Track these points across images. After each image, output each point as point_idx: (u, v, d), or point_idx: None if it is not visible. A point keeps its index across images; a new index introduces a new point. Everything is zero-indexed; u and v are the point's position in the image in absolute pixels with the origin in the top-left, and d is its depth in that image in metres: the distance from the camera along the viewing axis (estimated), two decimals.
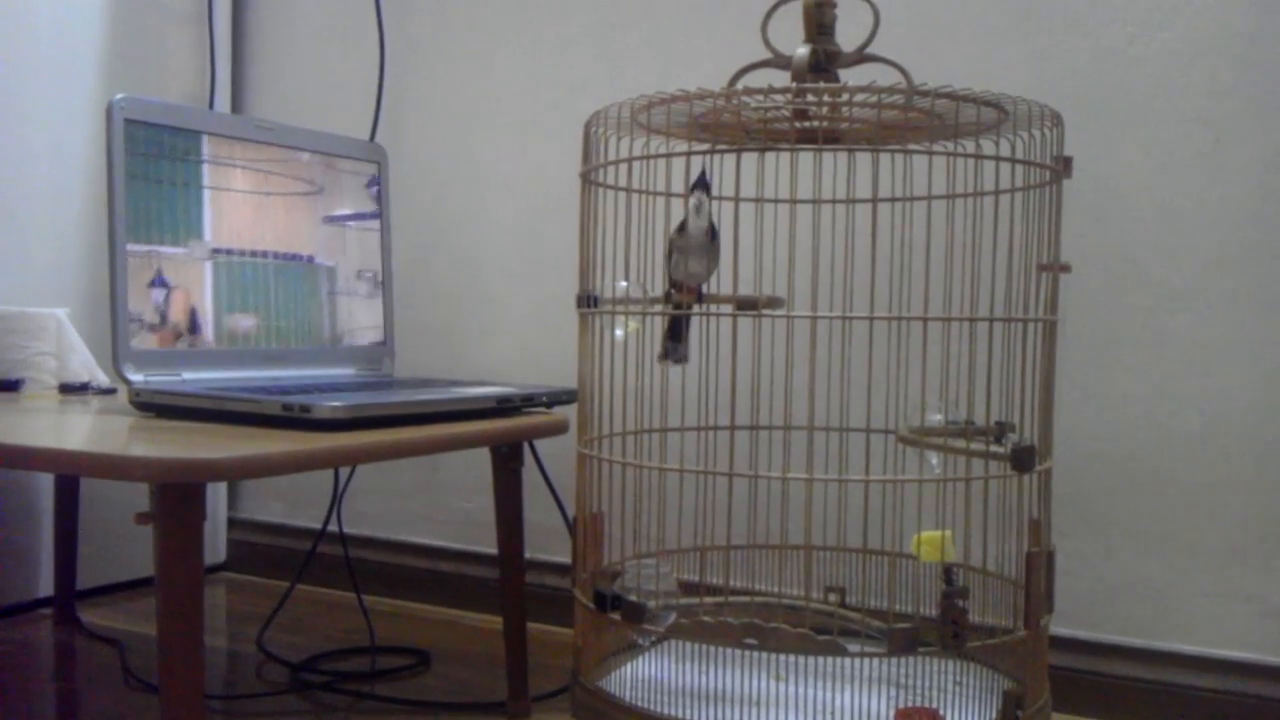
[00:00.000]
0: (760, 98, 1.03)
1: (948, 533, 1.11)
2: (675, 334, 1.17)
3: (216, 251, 1.26)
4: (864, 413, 1.32)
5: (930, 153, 1.06)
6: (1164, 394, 1.31)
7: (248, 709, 1.30)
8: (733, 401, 1.09)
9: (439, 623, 1.66)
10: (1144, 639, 1.32)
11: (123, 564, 1.74)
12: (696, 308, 1.16)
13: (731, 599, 1.28)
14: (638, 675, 1.16)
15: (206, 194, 1.25)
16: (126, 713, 1.28)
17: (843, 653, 1.03)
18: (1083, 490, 1.35)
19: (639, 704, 1.08)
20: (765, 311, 1.04)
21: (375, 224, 1.45)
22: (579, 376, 1.17)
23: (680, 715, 1.06)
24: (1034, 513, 1.08)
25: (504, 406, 1.24)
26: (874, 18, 1.13)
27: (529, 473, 1.34)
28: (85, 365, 1.42)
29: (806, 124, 1.15)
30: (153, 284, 1.19)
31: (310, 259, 1.36)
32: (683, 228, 1.13)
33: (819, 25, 1.11)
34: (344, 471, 1.74)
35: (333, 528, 1.69)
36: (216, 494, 1.89)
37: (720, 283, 1.22)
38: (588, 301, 1.14)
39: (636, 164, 1.14)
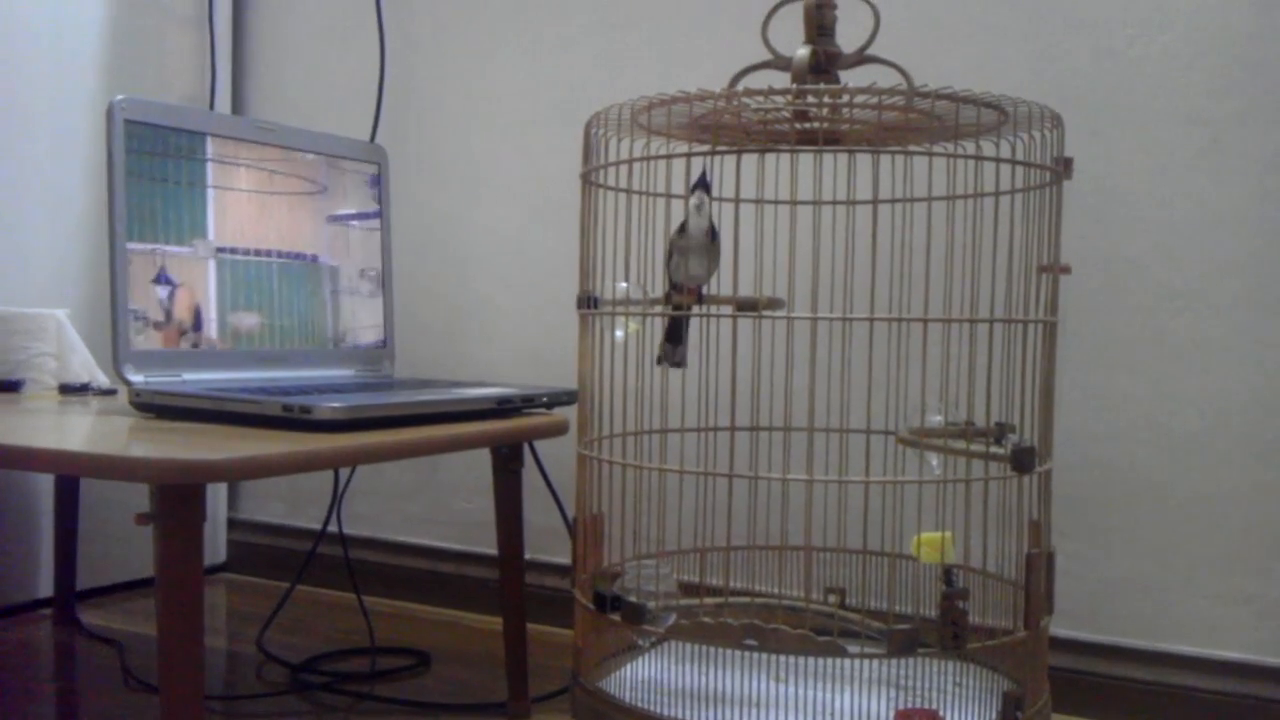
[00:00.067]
0: (760, 99, 1.03)
1: (948, 534, 1.11)
2: (673, 337, 1.17)
3: (221, 250, 1.26)
4: (864, 414, 1.32)
5: (930, 154, 1.06)
6: (1164, 395, 1.31)
7: (248, 710, 1.30)
8: (733, 402, 1.09)
9: (439, 623, 1.66)
10: (1143, 640, 1.32)
11: (123, 565, 1.74)
12: (697, 309, 1.16)
13: (731, 600, 1.28)
14: (638, 676, 1.16)
15: (210, 193, 1.25)
16: (126, 713, 1.27)
17: (842, 654, 1.03)
18: (1083, 491, 1.35)
19: (639, 705, 1.08)
20: (765, 313, 1.04)
21: (377, 223, 1.45)
22: (579, 377, 1.17)
23: (680, 716, 1.06)
24: (1034, 514, 1.08)
25: (504, 407, 1.24)
26: (874, 19, 1.13)
27: (529, 474, 1.34)
28: (85, 366, 1.42)
29: (807, 125, 1.15)
30: (157, 281, 1.19)
31: (314, 258, 1.36)
32: (683, 228, 1.13)
33: (819, 26, 1.11)
34: (344, 472, 1.74)
35: (333, 528, 1.69)
36: (216, 495, 1.89)
37: (720, 284, 1.22)
38: (588, 302, 1.14)
39: (637, 165, 1.14)
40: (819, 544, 1.31)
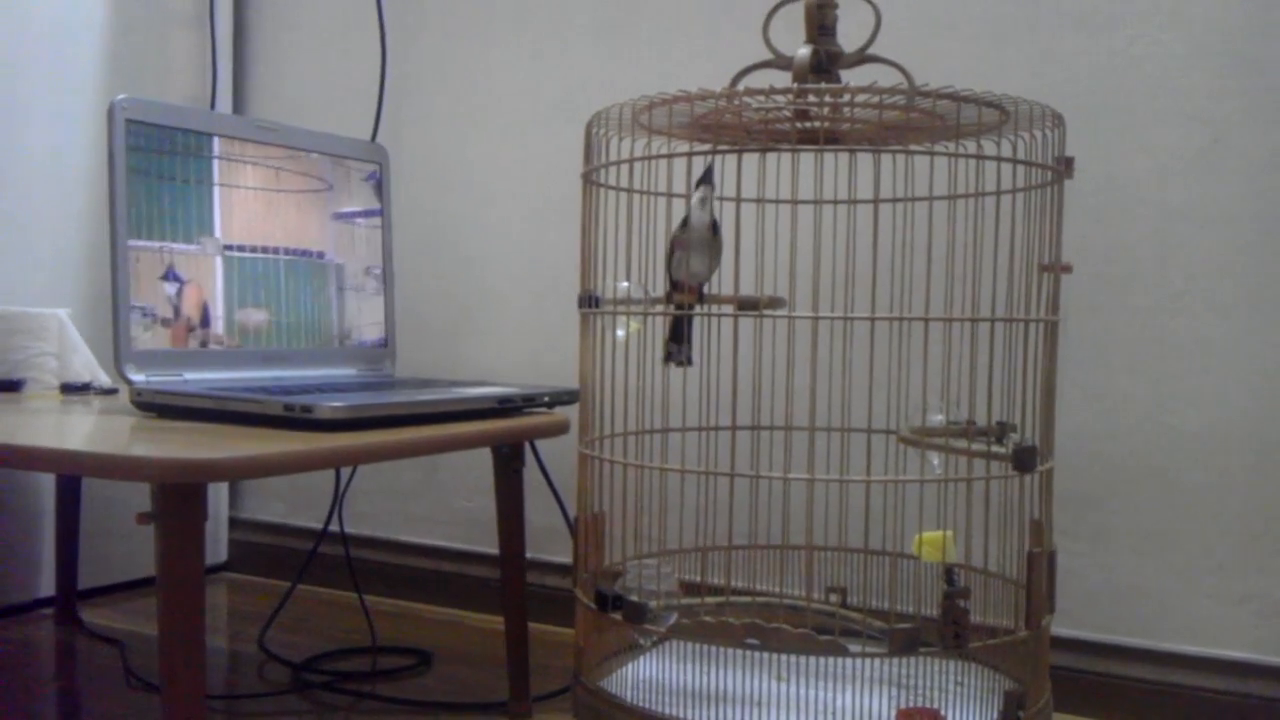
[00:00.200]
0: (761, 98, 1.03)
1: (949, 533, 1.11)
2: (677, 336, 1.17)
3: (228, 248, 1.26)
4: (865, 413, 1.32)
5: (932, 153, 1.06)
6: (1165, 394, 1.31)
7: (249, 709, 1.30)
8: (734, 402, 1.09)
9: (440, 623, 1.66)
10: (1145, 639, 1.32)
11: (124, 564, 1.74)
12: (698, 308, 1.16)
13: (733, 599, 1.28)
14: (639, 675, 1.16)
15: (215, 191, 1.25)
16: (128, 713, 1.28)
17: (844, 653, 1.03)
18: (1084, 490, 1.35)
19: (640, 704, 1.08)
20: (767, 312, 1.04)
21: (379, 221, 1.45)
22: (580, 377, 1.17)
23: (681, 715, 1.06)
24: (1035, 513, 1.08)
25: (505, 407, 1.24)
26: (875, 18, 1.13)
27: (530, 473, 1.34)
28: (87, 365, 1.42)
29: (808, 124, 1.15)
30: (165, 278, 1.19)
31: (320, 255, 1.36)
32: (685, 222, 1.13)
33: (820, 26, 1.11)
34: (345, 472, 1.74)
35: (334, 528, 1.69)
36: (218, 494, 1.89)
37: (721, 283, 1.22)
38: (589, 302, 1.14)
39: (638, 164, 1.14)
40: (820, 543, 1.31)
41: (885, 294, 1.23)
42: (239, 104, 1.91)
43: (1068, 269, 1.12)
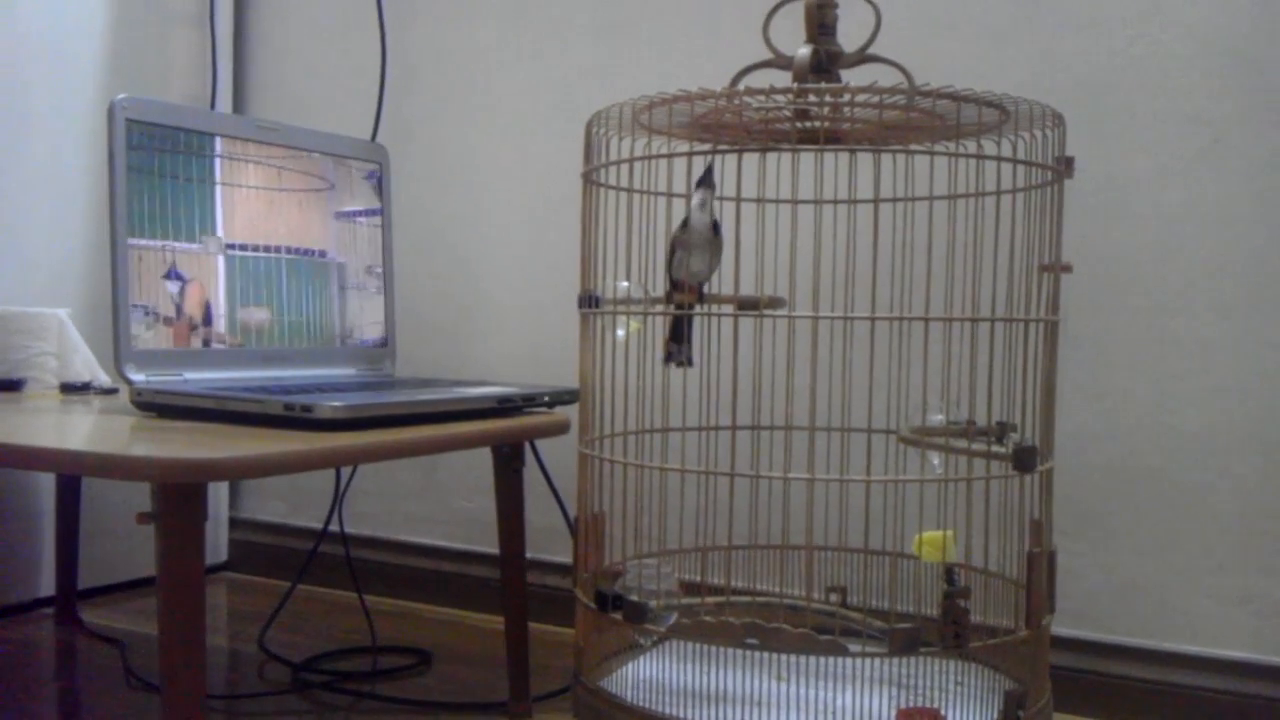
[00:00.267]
0: (762, 98, 1.03)
1: (949, 533, 1.11)
2: (677, 335, 1.17)
3: (230, 247, 1.26)
4: (865, 413, 1.32)
5: (932, 153, 1.06)
6: (1165, 394, 1.31)
7: (249, 709, 1.30)
8: (734, 402, 1.09)
9: (440, 623, 1.66)
10: (1145, 639, 1.32)
11: (124, 564, 1.74)
12: (698, 308, 1.16)
13: (733, 599, 1.28)
14: (639, 675, 1.16)
15: (217, 190, 1.26)
16: (128, 713, 1.28)
17: (844, 653, 1.03)
18: (1084, 490, 1.35)
19: (640, 704, 1.08)
20: (767, 312, 1.04)
21: (379, 220, 1.45)
22: (580, 376, 1.17)
23: (682, 715, 1.06)
24: (1035, 513, 1.08)
25: (505, 406, 1.24)
26: (875, 18, 1.13)
27: (530, 473, 1.34)
28: (87, 365, 1.42)
29: (808, 124, 1.15)
30: (168, 276, 1.19)
31: (322, 254, 1.36)
32: (686, 223, 1.13)
33: (820, 25, 1.11)
34: (345, 471, 1.74)
35: (334, 528, 1.69)
36: (218, 494, 1.89)
37: (722, 283, 1.22)
38: (589, 301, 1.14)
39: (638, 164, 1.14)
40: (820, 543, 1.31)
41: (885, 294, 1.23)
42: (239, 103, 1.91)
43: (1068, 269, 1.12)
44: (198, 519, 0.88)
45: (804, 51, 1.10)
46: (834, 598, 1.29)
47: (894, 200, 1.19)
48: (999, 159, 1.07)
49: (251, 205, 1.29)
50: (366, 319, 1.42)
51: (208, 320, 1.24)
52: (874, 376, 1.28)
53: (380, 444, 1.03)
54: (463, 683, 1.40)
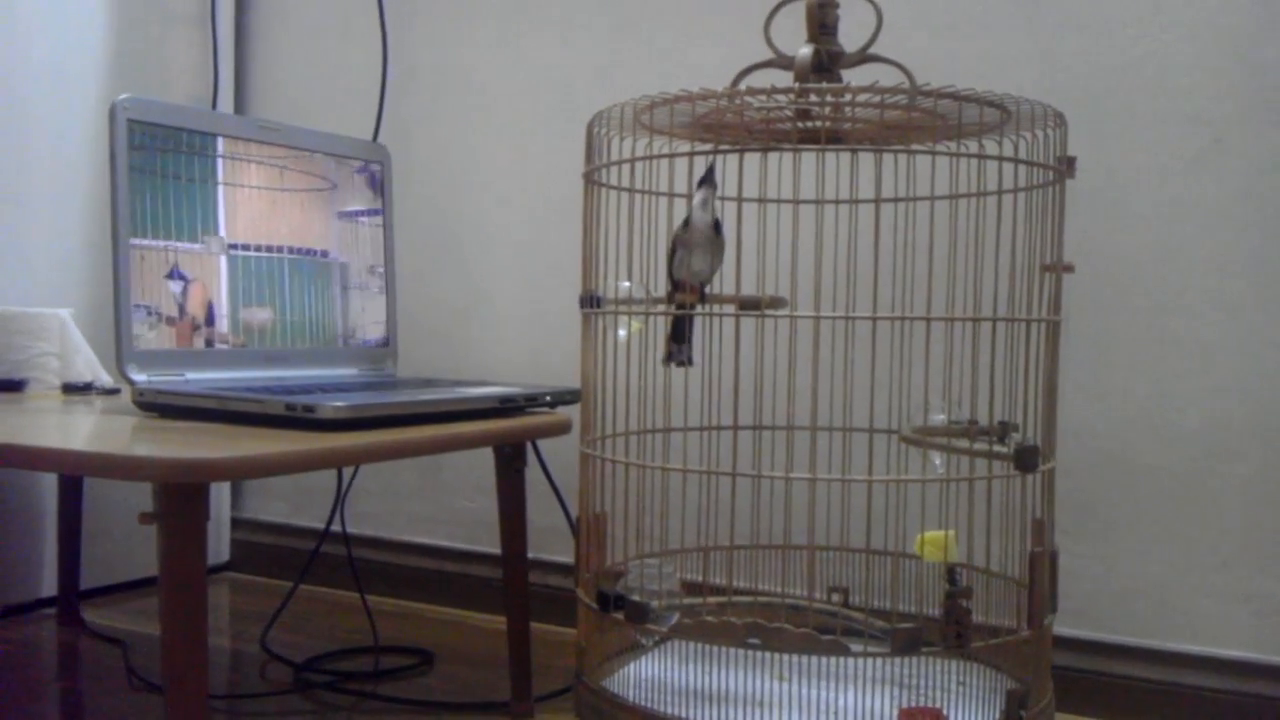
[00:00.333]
0: (763, 98, 1.03)
1: (951, 533, 1.11)
2: (678, 335, 1.17)
3: (232, 246, 1.26)
4: (867, 413, 1.32)
5: (933, 153, 1.06)
6: (1166, 393, 1.31)
7: (251, 709, 1.30)
8: (735, 401, 1.09)
9: (442, 623, 1.66)
10: (1146, 639, 1.32)
11: (126, 564, 1.74)
12: (700, 308, 1.16)
13: (735, 599, 1.28)
14: (641, 675, 1.16)
15: (219, 190, 1.26)
16: (130, 713, 1.28)
17: (846, 653, 1.03)
18: (1085, 490, 1.35)
19: (642, 704, 1.08)
20: (768, 312, 1.04)
21: (381, 220, 1.45)
22: (582, 376, 1.17)
23: (683, 715, 1.06)
24: (1037, 512, 1.08)
25: (507, 406, 1.24)
26: (877, 18, 1.12)
27: (532, 473, 1.34)
28: (89, 365, 1.42)
29: (809, 124, 1.15)
30: (171, 276, 1.19)
31: (325, 254, 1.36)
32: (687, 222, 1.13)
33: (822, 25, 1.11)
34: (347, 471, 1.74)
35: (336, 528, 1.69)
36: (220, 494, 1.90)
37: (723, 283, 1.22)
38: (591, 301, 1.14)
39: (639, 164, 1.14)
40: (822, 543, 1.31)
41: (887, 294, 1.23)
42: (240, 104, 1.91)
43: (1069, 269, 1.12)
44: (200, 519, 0.88)
45: (805, 51, 1.10)
46: (836, 598, 1.29)
47: (895, 200, 1.19)
48: (1000, 159, 1.07)
49: (253, 205, 1.30)
50: (368, 319, 1.42)
51: (210, 320, 1.24)
52: (876, 376, 1.28)
53: (382, 444, 1.03)
54: (465, 683, 1.40)
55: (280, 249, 1.32)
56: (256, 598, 1.77)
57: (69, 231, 1.65)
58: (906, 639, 0.98)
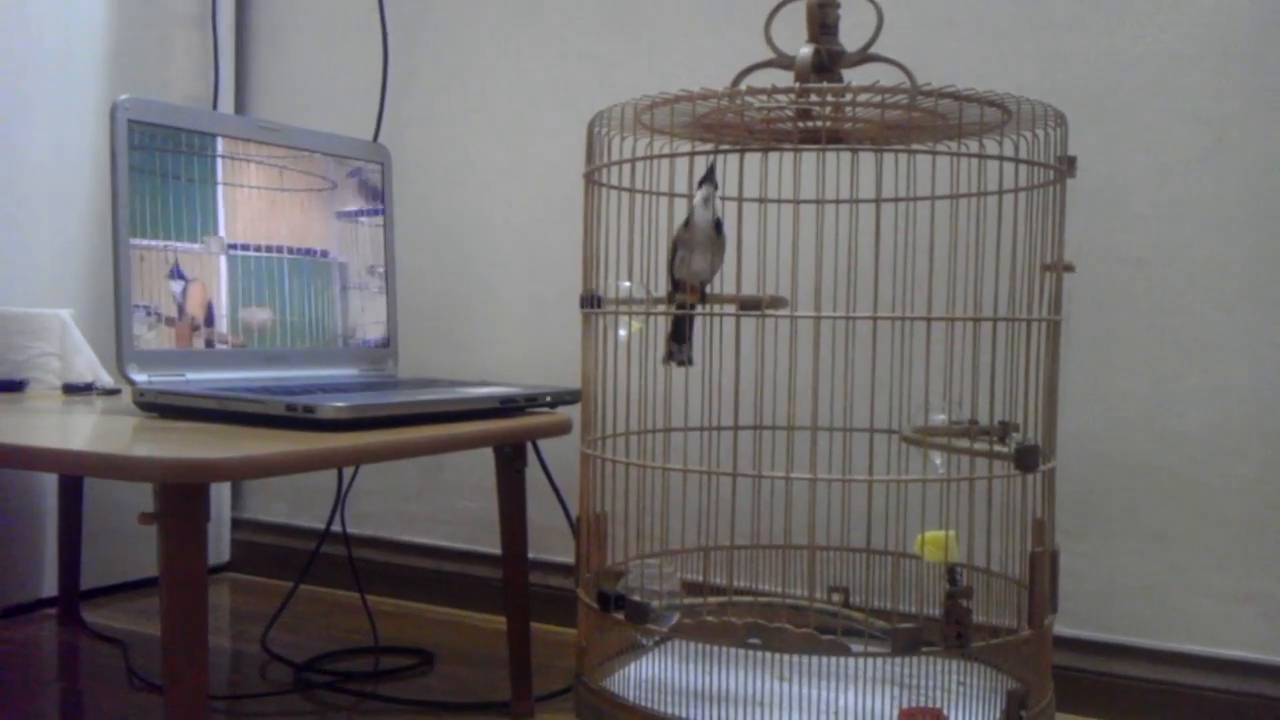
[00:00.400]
0: (763, 98, 1.03)
1: (951, 533, 1.10)
2: (679, 335, 1.17)
3: (232, 246, 1.26)
4: (867, 413, 1.32)
5: (934, 153, 1.06)
6: (1166, 393, 1.31)
7: (251, 709, 1.30)
8: (736, 402, 1.09)
9: (442, 623, 1.66)
10: (1147, 638, 1.32)
11: (126, 564, 1.74)
12: (700, 308, 1.16)
13: (735, 599, 1.28)
14: (641, 675, 1.16)
15: (219, 190, 1.26)
16: (131, 713, 1.28)
17: (846, 653, 1.03)
18: (1086, 490, 1.35)
19: (642, 704, 1.08)
20: (769, 312, 1.04)
21: (381, 220, 1.45)
22: (582, 377, 1.17)
23: (684, 715, 1.06)
24: (1038, 512, 1.08)
25: (507, 407, 1.24)
26: (877, 18, 1.12)
27: (532, 473, 1.34)
28: (89, 366, 1.42)
29: (810, 124, 1.15)
30: (171, 276, 1.19)
31: (324, 254, 1.36)
32: (688, 222, 1.13)
33: (822, 25, 1.11)
34: (347, 472, 1.74)
35: (336, 528, 1.69)
36: (220, 494, 1.90)
37: (723, 283, 1.22)
38: (591, 301, 1.14)
39: (640, 164, 1.14)
40: (822, 543, 1.31)
41: (887, 293, 1.23)
42: (241, 104, 1.91)
43: (1070, 268, 1.12)
44: (200, 519, 0.88)
45: (806, 51, 1.10)
46: (836, 598, 1.29)
47: (896, 200, 1.19)
48: (1001, 159, 1.07)
49: (253, 205, 1.30)
50: (368, 319, 1.42)
51: (210, 320, 1.24)
52: (876, 376, 1.28)
53: (382, 444, 1.03)
54: (465, 683, 1.40)
55: (280, 249, 1.32)
56: (257, 598, 1.77)
57: (69, 232, 1.65)
58: (907, 639, 0.98)
